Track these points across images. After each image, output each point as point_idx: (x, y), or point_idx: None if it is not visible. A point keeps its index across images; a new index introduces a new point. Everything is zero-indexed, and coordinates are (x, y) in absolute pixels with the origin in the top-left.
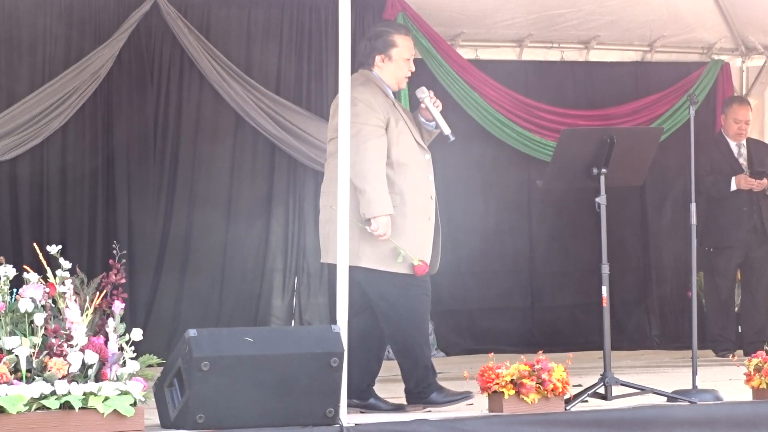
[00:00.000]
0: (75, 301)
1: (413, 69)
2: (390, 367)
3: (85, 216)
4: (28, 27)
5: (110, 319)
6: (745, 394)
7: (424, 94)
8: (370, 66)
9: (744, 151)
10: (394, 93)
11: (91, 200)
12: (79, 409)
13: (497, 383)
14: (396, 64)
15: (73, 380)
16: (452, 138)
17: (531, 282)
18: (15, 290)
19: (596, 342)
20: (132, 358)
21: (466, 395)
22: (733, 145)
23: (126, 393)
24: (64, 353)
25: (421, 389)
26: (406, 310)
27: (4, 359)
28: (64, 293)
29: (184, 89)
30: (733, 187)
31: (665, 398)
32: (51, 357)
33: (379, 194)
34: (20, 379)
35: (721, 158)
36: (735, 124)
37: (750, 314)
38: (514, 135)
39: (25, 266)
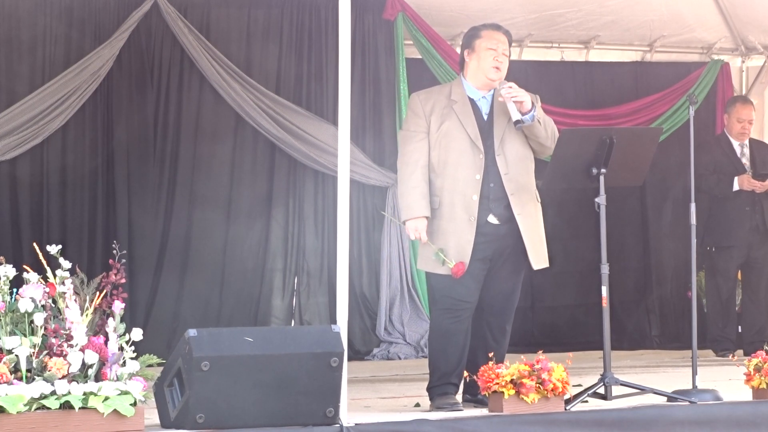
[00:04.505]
0: (75, 301)
1: (501, 61)
2: (390, 367)
3: (85, 216)
4: (28, 27)
5: (110, 319)
6: (745, 394)
7: (501, 83)
8: (461, 69)
9: (747, 151)
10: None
11: (91, 200)
12: (79, 409)
13: (497, 383)
14: (478, 55)
15: (73, 380)
16: (517, 126)
17: (531, 282)
18: (15, 290)
19: (596, 342)
20: (132, 358)
21: (454, 406)
22: (736, 144)
23: (126, 393)
24: (64, 353)
25: (431, 389)
26: (433, 318)
27: (4, 359)
28: (64, 293)
29: (184, 89)
30: (736, 187)
31: (665, 398)
32: (51, 357)
33: (409, 199)
34: (20, 379)
35: (724, 158)
36: (738, 123)
37: (750, 314)
38: None
39: (25, 266)
